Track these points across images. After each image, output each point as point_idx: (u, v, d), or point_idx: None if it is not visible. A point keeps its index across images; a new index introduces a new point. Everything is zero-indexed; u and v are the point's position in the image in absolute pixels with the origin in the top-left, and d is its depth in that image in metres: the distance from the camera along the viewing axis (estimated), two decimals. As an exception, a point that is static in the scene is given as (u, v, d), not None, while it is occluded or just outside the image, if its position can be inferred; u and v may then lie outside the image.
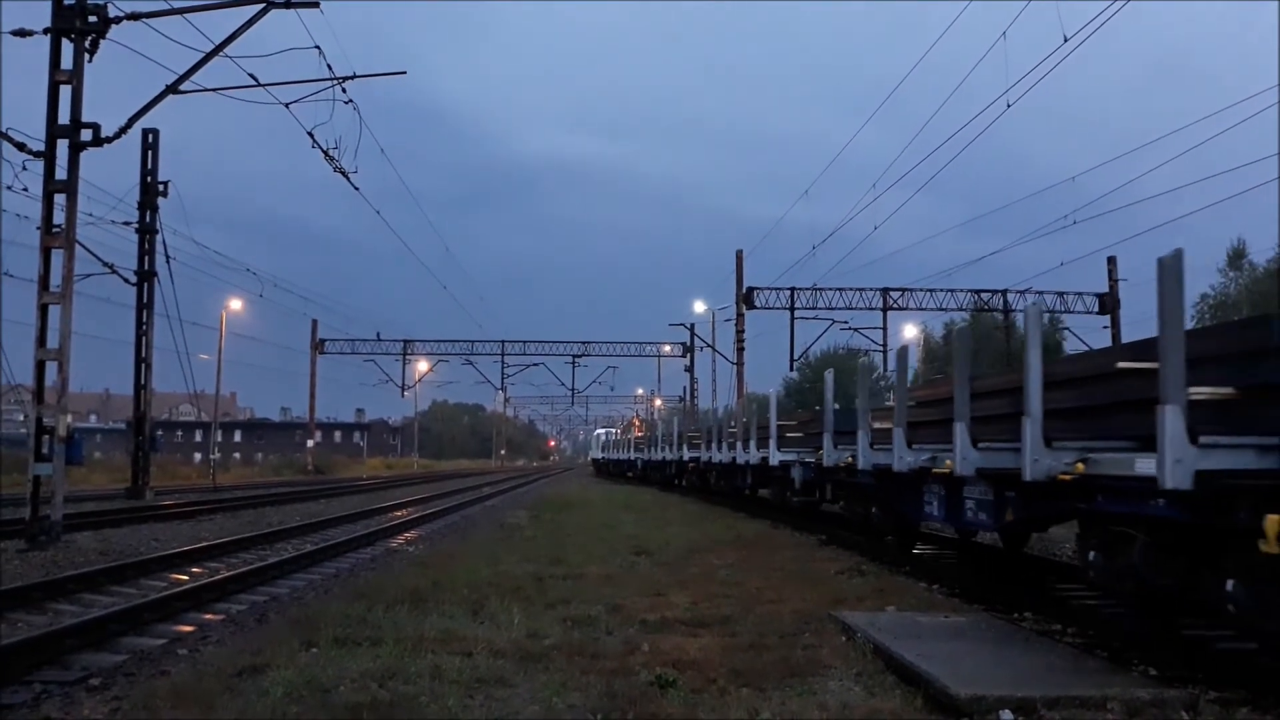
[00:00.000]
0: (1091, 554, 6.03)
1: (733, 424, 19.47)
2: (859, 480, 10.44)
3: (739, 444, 17.95)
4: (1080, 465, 5.52)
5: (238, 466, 60.18)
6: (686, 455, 26.93)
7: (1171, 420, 4.53)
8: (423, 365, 60.83)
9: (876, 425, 9.86)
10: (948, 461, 7.35)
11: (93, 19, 13.77)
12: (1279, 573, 4.20)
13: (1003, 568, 9.63)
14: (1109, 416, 5.69)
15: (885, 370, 41.48)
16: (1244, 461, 4.55)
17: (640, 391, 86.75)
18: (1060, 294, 38.94)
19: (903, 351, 10.03)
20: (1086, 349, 38.36)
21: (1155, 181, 23.76)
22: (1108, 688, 4.65)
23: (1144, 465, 4.81)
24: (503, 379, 58.83)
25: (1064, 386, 6.26)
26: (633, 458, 44.83)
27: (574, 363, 57.66)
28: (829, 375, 12.33)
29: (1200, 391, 4.74)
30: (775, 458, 14.82)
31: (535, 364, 58.19)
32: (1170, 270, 4.75)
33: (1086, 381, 6.21)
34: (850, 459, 10.37)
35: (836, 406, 11.90)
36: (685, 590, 8.31)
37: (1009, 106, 17.22)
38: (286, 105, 16.74)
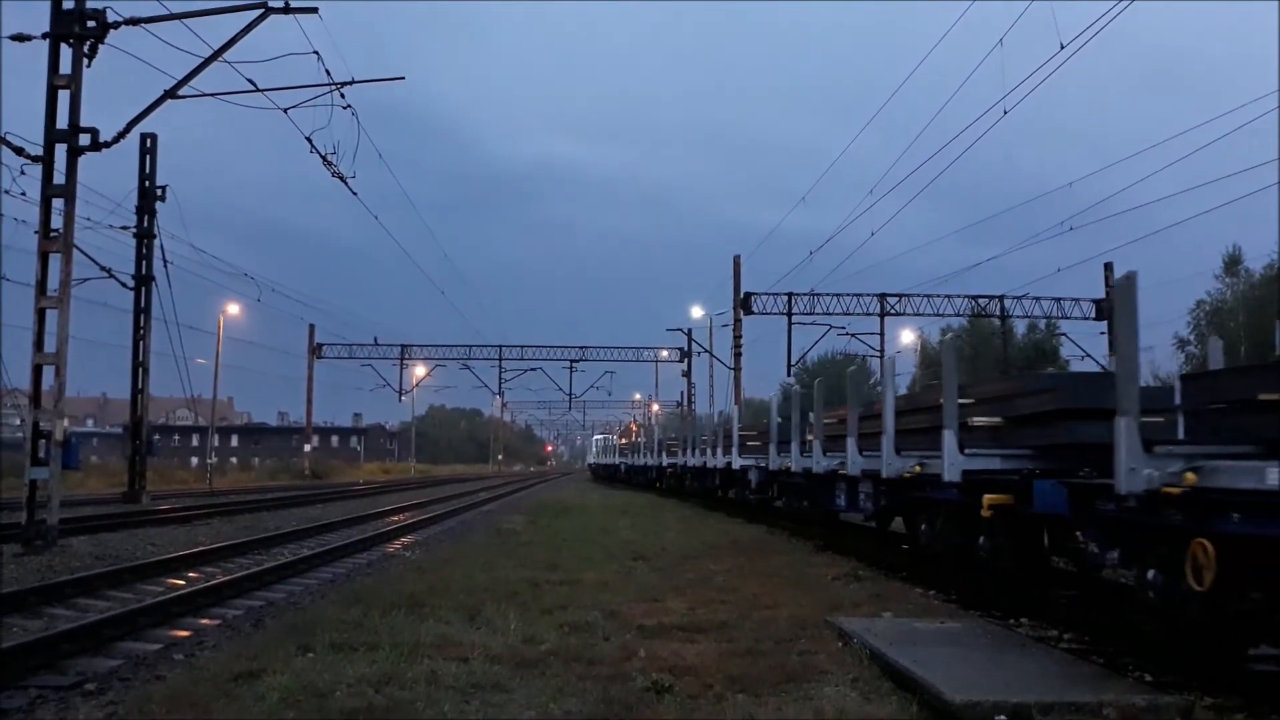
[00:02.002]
0: (923, 528, 8.86)
1: (704, 434, 22.50)
2: (794, 480, 13.18)
3: (709, 451, 20.66)
4: (918, 467, 8.07)
5: (234, 471, 59.96)
6: (665, 461, 29.75)
7: (949, 439, 7.25)
8: (420, 370, 60.82)
9: (809, 438, 12.19)
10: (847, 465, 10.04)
11: (91, 24, 13.74)
12: (999, 529, 7.04)
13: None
14: (937, 433, 7.60)
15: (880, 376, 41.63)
16: (993, 464, 7.29)
17: (638, 396, 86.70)
18: (1057, 300, 39.01)
19: (819, 383, 12.01)
20: (1083, 355, 38.47)
21: (1152, 188, 23.87)
22: (1103, 693, 4.66)
23: (945, 466, 7.25)
24: (500, 384, 58.90)
25: (918, 412, 8.94)
26: (617, 462, 45.70)
27: (571, 367, 57.61)
28: (774, 398, 15.17)
29: (980, 420, 7.51)
30: (737, 463, 17.23)
31: (533, 369, 58.24)
32: (949, 348, 7.88)
33: (927, 410, 8.53)
34: (788, 464, 13.01)
35: (787, 418, 13.69)
36: (681, 596, 8.32)
37: (1005, 113, 17.28)
38: (285, 110, 16.75)
